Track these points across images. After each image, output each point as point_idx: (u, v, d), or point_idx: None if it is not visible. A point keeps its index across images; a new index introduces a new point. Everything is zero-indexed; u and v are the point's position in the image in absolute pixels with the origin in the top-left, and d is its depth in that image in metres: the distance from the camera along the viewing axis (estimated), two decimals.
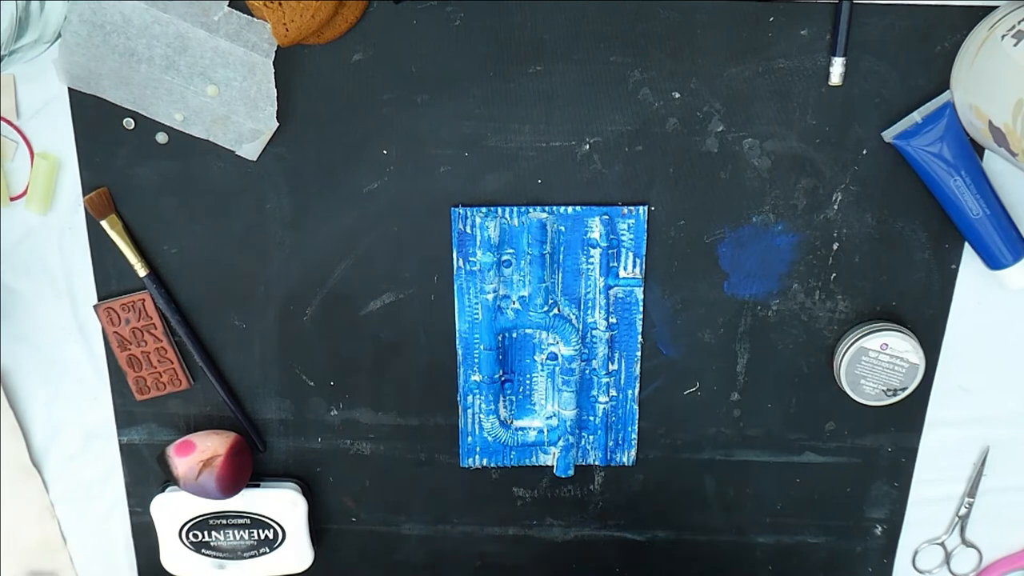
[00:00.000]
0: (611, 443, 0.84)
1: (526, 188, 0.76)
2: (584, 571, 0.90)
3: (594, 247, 0.77)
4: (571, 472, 0.84)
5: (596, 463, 0.84)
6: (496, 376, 0.80)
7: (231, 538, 0.84)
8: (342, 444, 0.84)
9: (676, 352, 0.81)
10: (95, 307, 0.78)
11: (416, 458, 0.85)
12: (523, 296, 0.78)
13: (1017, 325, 0.80)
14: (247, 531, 0.84)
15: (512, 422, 0.83)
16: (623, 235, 0.77)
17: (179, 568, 0.85)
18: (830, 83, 0.72)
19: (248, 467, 0.81)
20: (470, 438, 0.83)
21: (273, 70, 0.70)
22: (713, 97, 0.73)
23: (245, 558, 0.85)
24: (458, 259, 0.77)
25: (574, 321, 0.79)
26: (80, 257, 0.77)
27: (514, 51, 0.72)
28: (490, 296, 0.78)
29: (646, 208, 0.76)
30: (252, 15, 0.69)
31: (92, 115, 0.73)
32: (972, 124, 0.70)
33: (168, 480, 0.84)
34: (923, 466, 0.85)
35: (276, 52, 0.70)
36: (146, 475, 0.84)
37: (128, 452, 0.84)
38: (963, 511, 0.87)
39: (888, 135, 0.73)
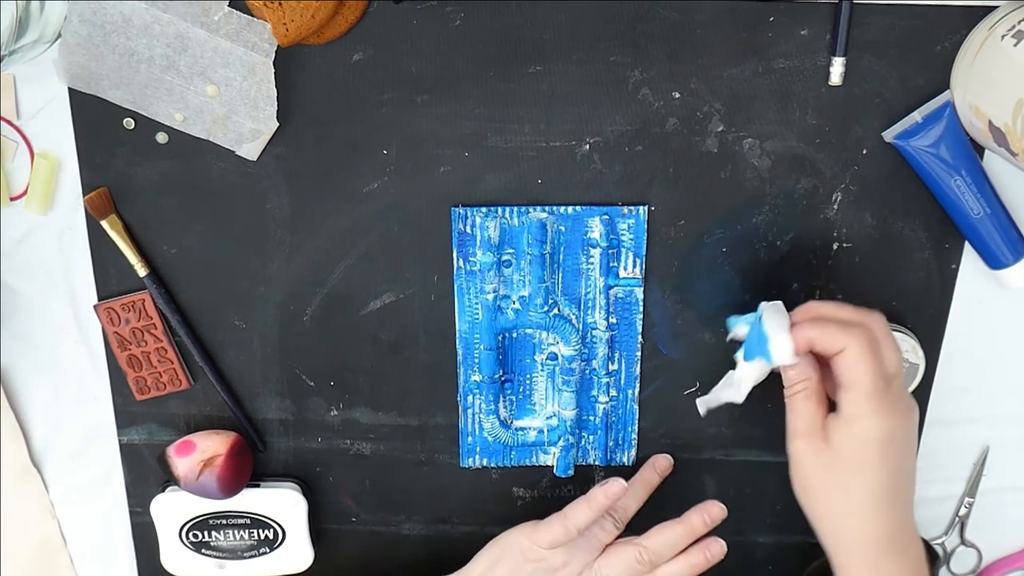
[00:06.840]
0: (611, 443, 0.84)
1: (526, 188, 0.76)
2: None
3: (594, 247, 0.77)
4: (571, 472, 0.84)
5: (596, 463, 0.84)
6: (496, 376, 0.80)
7: (231, 538, 0.84)
8: (342, 444, 0.84)
9: (676, 352, 0.81)
10: (95, 307, 0.78)
11: (416, 458, 0.85)
12: (523, 296, 0.78)
13: (1017, 325, 0.80)
14: (247, 531, 0.84)
15: (512, 422, 0.83)
16: (623, 235, 0.76)
17: (179, 568, 0.85)
18: (830, 83, 0.72)
19: (248, 467, 0.81)
20: (470, 438, 0.83)
21: (273, 70, 0.70)
22: (713, 97, 0.73)
23: (245, 558, 0.85)
24: (458, 259, 0.77)
25: (574, 321, 0.79)
26: (80, 257, 0.77)
27: (514, 51, 0.72)
28: (490, 296, 0.78)
29: (646, 208, 0.76)
30: (252, 15, 0.69)
31: (92, 115, 0.73)
32: (972, 124, 0.70)
33: (168, 480, 0.83)
34: (923, 466, 0.85)
35: (276, 52, 0.70)
36: (146, 475, 0.84)
37: (128, 452, 0.84)
38: (963, 511, 0.87)
39: (888, 135, 0.73)
